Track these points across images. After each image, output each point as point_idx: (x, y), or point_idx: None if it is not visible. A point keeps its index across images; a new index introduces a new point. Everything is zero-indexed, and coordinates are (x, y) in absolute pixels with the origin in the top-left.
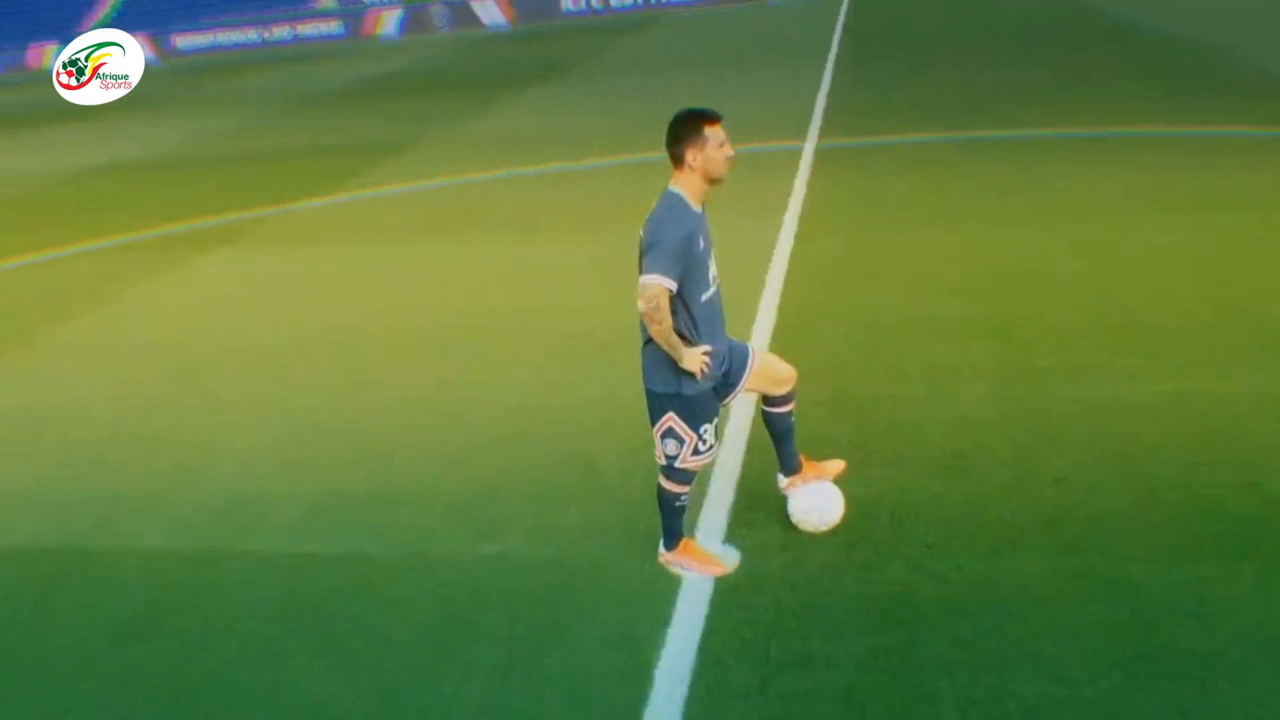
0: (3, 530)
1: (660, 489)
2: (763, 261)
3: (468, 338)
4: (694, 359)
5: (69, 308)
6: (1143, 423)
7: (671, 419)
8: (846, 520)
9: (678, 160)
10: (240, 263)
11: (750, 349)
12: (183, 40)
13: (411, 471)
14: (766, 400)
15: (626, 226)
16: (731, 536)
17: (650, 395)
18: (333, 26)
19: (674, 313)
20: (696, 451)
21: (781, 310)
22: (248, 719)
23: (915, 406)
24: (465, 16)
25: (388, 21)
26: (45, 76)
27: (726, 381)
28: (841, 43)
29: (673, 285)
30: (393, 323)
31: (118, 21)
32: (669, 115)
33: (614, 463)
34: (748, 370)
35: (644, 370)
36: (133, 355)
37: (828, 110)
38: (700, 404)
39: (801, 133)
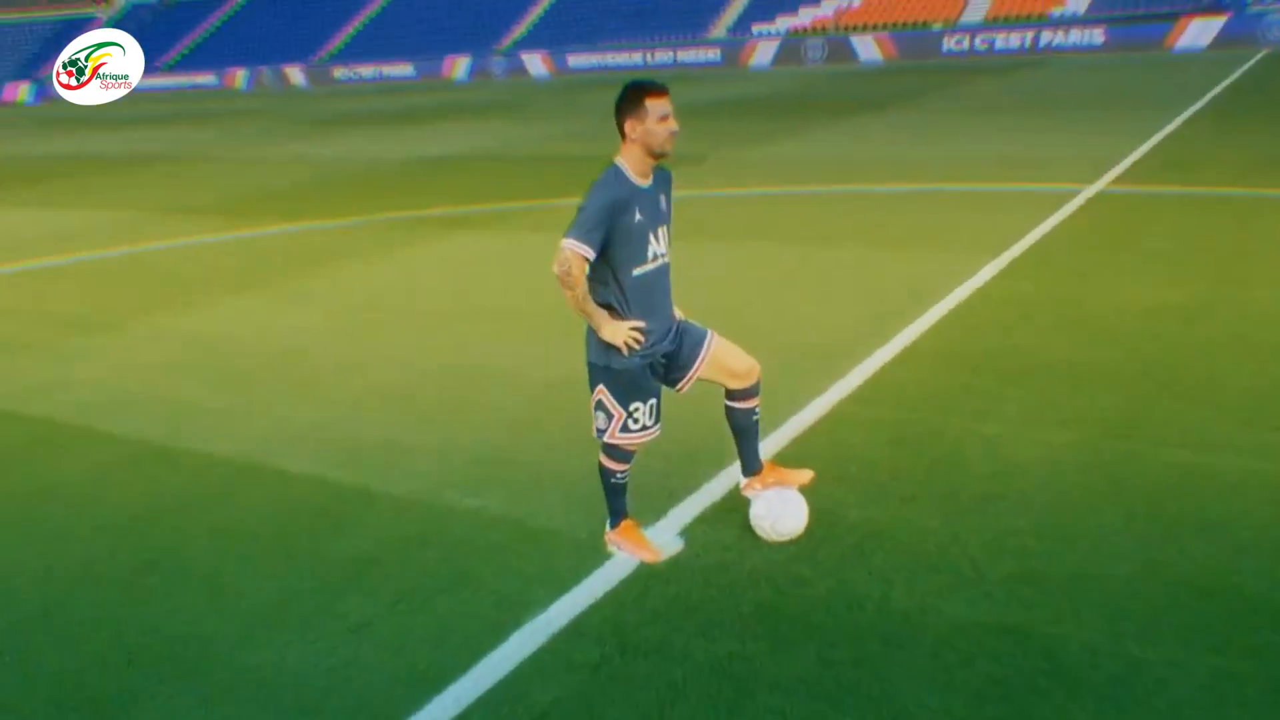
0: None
1: (599, 464)
2: (926, 295)
3: None
4: (616, 332)
5: (325, 264)
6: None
7: (602, 391)
8: (819, 536)
9: (620, 132)
10: (483, 243)
11: (708, 336)
12: (575, 59)
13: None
14: (727, 394)
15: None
16: (691, 529)
17: (588, 365)
18: (711, 54)
19: (604, 283)
20: (626, 429)
21: (914, 348)
22: None
23: (981, 444)
24: (840, 51)
25: (763, 52)
26: (451, 84)
27: (677, 364)
28: (1218, 97)
29: (586, 251)
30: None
31: (527, 41)
32: (977, 153)
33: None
34: (700, 357)
35: (585, 338)
36: (359, 306)
37: (1144, 158)
38: (630, 380)
39: (1090, 178)
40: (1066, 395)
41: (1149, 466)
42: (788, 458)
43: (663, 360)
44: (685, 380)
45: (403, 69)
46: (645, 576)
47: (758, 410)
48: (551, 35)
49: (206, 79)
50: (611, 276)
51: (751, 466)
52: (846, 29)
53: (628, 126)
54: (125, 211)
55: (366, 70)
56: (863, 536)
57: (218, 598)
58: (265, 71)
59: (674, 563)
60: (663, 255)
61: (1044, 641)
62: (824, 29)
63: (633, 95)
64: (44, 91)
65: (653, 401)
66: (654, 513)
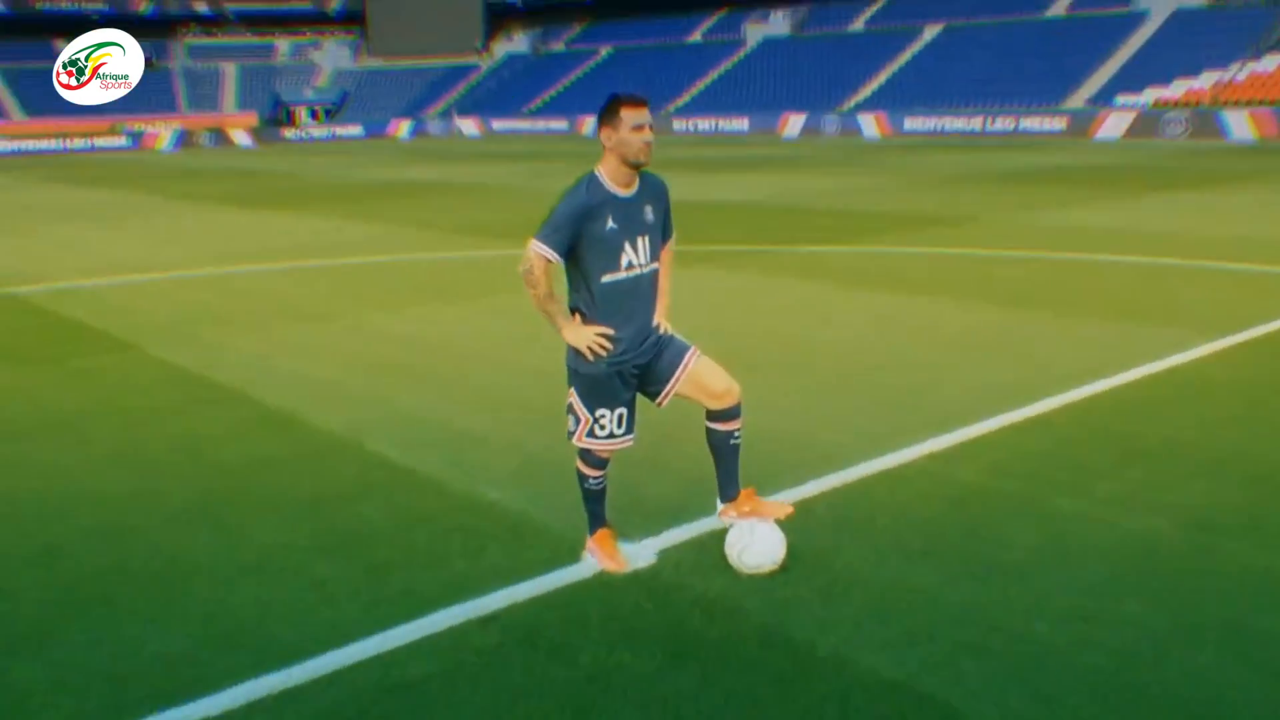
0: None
1: (576, 469)
2: (1105, 366)
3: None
4: (579, 336)
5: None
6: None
7: (572, 394)
8: (794, 573)
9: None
10: (712, 277)
11: (688, 352)
12: (911, 122)
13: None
14: (707, 414)
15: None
16: (674, 550)
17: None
18: (1056, 123)
19: (575, 288)
20: (592, 434)
21: (1049, 417)
22: None
23: (1043, 517)
24: (1207, 126)
25: (1114, 123)
26: (779, 139)
27: (654, 378)
28: None
29: (548, 253)
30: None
31: (868, 103)
32: None
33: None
34: (677, 373)
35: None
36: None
37: None
38: (596, 386)
39: None
40: (1182, 481)
41: (1228, 567)
42: (835, 499)
43: (635, 371)
44: (663, 395)
45: (738, 124)
46: (596, 584)
47: (737, 434)
48: (893, 98)
49: (559, 124)
50: (582, 282)
51: (727, 492)
52: (1222, 103)
53: (603, 135)
54: (416, 229)
55: (704, 123)
56: (836, 582)
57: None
58: None
59: (633, 576)
60: (641, 265)
61: None
62: (1196, 103)
63: (610, 105)
64: (419, 128)
65: (621, 411)
66: (647, 529)
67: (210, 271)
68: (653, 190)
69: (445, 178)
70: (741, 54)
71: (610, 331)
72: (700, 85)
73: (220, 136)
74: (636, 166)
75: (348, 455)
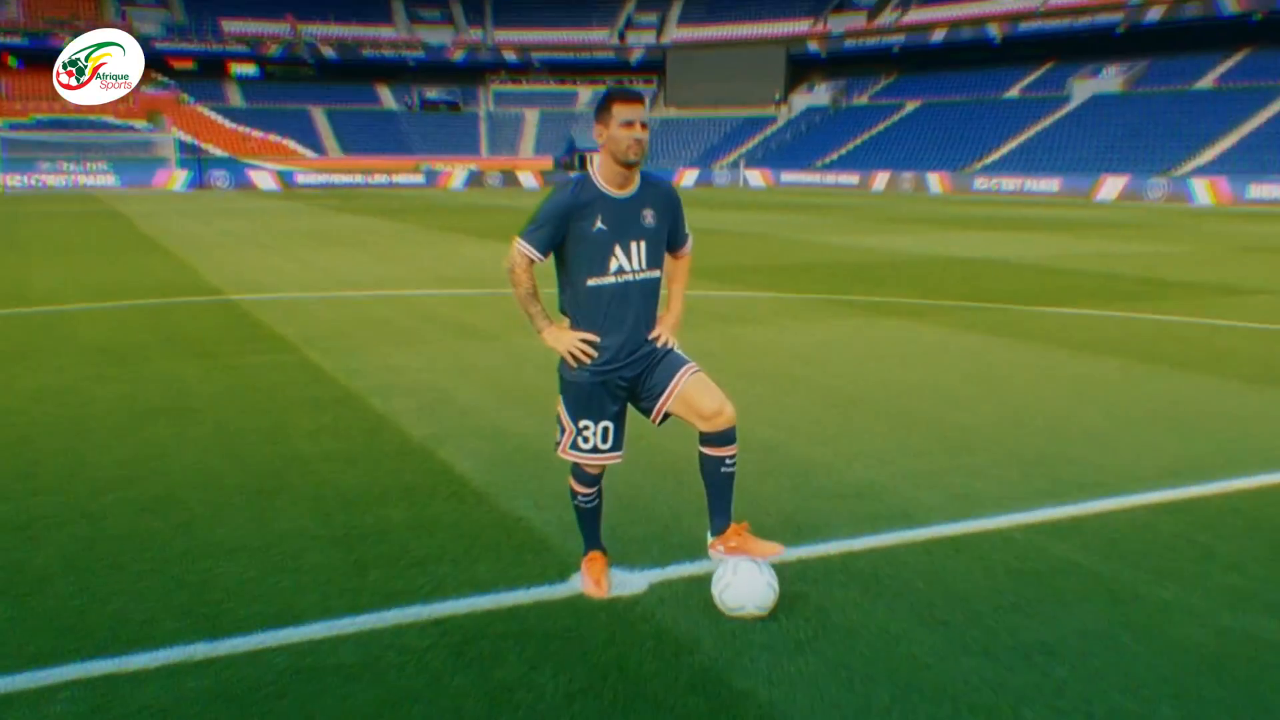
0: None
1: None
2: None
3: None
4: (559, 339)
5: (732, 324)
6: None
7: (559, 403)
8: (781, 620)
9: None
10: (909, 329)
11: (683, 368)
12: (1258, 188)
13: None
14: (699, 437)
15: None
16: (667, 584)
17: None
18: None
19: (563, 290)
20: (576, 446)
21: (1207, 500)
22: None
23: (1117, 604)
24: None
25: None
26: (1091, 202)
27: (646, 392)
28: None
29: (531, 251)
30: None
31: (1208, 168)
32: None
33: None
34: (668, 389)
35: None
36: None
37: None
38: (580, 395)
39: None
40: None
41: None
42: (882, 556)
43: (622, 383)
44: (655, 412)
45: (1047, 184)
46: (562, 606)
47: (729, 461)
48: (1238, 162)
49: (849, 179)
50: (568, 284)
51: (716, 523)
52: None
53: (596, 132)
54: None
55: (1009, 182)
56: (819, 638)
57: None
58: (907, 177)
59: (608, 603)
60: (633, 271)
61: None
62: None
63: (605, 101)
64: (705, 177)
65: (607, 425)
66: (655, 559)
67: (413, 292)
68: (657, 194)
69: (702, 223)
70: (1063, 111)
71: (594, 338)
72: (1012, 143)
73: (509, 178)
74: (628, 165)
75: (413, 460)
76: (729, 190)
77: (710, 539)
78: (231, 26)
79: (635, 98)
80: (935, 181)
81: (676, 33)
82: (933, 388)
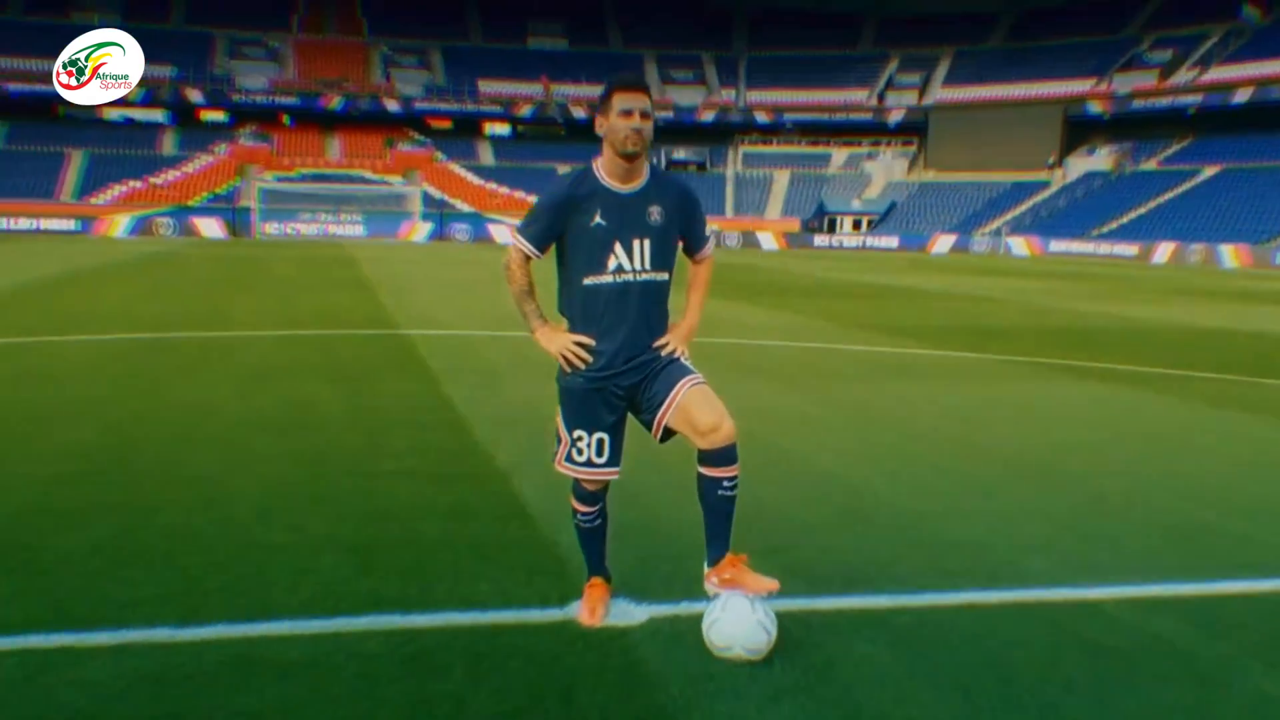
0: None
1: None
2: None
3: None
4: (551, 341)
5: (895, 381)
6: None
7: (557, 411)
8: (774, 664)
9: None
10: (1103, 394)
11: (685, 378)
12: None
13: None
14: (697, 455)
15: None
16: (668, 618)
17: None
18: None
19: (560, 289)
20: (570, 459)
21: None
22: None
23: (1248, 699)
24: None
25: None
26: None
27: (645, 403)
28: None
29: (526, 247)
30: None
31: None
32: None
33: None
34: (666, 400)
35: None
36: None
37: None
38: (573, 401)
39: None
40: None
41: None
42: (937, 615)
43: (619, 392)
44: (655, 425)
45: None
46: (543, 629)
47: (728, 484)
48: None
49: (1126, 249)
50: (566, 283)
51: (711, 553)
52: None
53: (596, 123)
54: (825, 321)
55: None
56: (804, 690)
57: None
58: (1196, 248)
59: (597, 632)
60: (634, 271)
61: None
62: None
63: (606, 90)
64: (962, 244)
65: (602, 437)
66: (670, 593)
67: None
68: (667, 192)
69: (937, 286)
70: None
71: (589, 341)
72: None
73: (748, 238)
74: (628, 157)
75: (483, 484)
76: (985, 257)
77: (705, 569)
78: (488, 87)
79: (636, 86)
80: (1229, 254)
81: (940, 93)
82: (1094, 449)
